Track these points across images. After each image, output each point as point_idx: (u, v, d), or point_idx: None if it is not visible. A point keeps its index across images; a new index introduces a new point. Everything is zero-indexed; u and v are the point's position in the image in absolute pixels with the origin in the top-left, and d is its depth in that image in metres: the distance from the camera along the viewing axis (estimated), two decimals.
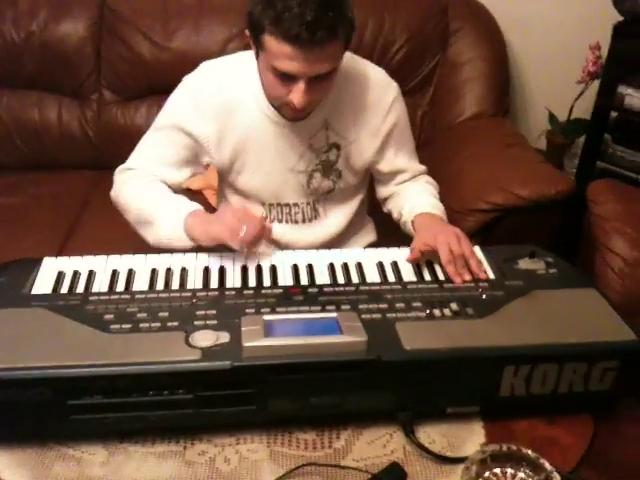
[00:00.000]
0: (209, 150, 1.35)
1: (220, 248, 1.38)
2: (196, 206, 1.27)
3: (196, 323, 1.02)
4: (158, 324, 1.02)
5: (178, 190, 1.38)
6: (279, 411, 0.99)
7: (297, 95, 1.19)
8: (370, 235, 1.59)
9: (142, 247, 1.30)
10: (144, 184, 1.33)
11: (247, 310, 1.06)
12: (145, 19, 2.01)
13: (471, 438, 1.02)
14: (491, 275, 1.20)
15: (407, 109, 1.44)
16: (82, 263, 1.21)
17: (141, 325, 1.01)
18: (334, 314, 1.04)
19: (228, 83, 1.33)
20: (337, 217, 1.48)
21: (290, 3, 1.10)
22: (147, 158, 1.36)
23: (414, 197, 1.41)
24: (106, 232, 1.68)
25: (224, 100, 1.32)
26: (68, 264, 1.20)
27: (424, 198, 1.40)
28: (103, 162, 2.11)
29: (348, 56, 1.38)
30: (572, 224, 1.68)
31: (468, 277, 1.16)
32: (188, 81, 1.35)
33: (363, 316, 1.04)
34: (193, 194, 1.92)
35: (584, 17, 2.09)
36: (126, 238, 1.36)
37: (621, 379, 1.03)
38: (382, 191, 1.50)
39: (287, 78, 1.18)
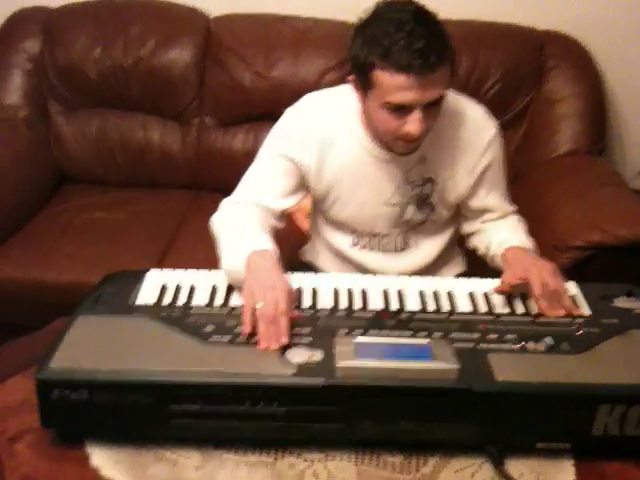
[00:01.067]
0: (309, 179, 1.39)
1: (309, 271, 1.40)
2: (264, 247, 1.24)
3: (291, 340, 1.05)
4: (254, 339, 1.05)
5: (284, 218, 1.43)
6: (368, 432, 1.00)
7: (415, 125, 1.21)
8: (459, 266, 1.59)
9: None
10: (236, 220, 1.34)
11: (340, 331, 1.08)
12: (248, 49, 2.10)
13: (560, 476, 1.01)
14: (586, 311, 1.18)
15: (503, 143, 1.44)
16: (184, 277, 1.26)
17: (239, 339, 1.06)
18: (426, 340, 1.05)
19: (329, 116, 1.37)
20: (428, 248, 1.49)
21: (397, 37, 1.14)
22: (254, 189, 1.39)
23: (504, 232, 1.41)
24: (201, 250, 1.75)
25: (325, 133, 1.36)
26: (171, 277, 1.26)
27: (514, 234, 1.40)
28: (201, 183, 2.23)
29: (450, 94, 1.40)
30: None
31: (561, 313, 1.16)
32: (292, 113, 1.40)
33: (455, 345, 1.05)
34: None
35: None
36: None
37: None
38: (467, 227, 1.50)
39: (401, 110, 1.20)
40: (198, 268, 1.30)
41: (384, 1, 1.22)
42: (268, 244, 1.26)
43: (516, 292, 1.23)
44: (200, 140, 2.18)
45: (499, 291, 1.22)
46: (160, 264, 1.81)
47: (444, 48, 1.18)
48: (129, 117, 2.22)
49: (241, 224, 1.32)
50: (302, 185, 1.41)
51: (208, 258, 1.51)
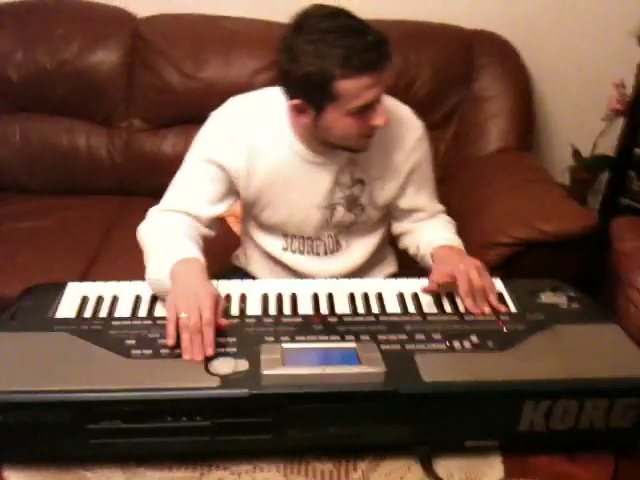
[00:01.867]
0: (238, 185, 1.36)
1: (241, 276, 1.38)
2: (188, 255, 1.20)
3: (216, 350, 1.02)
4: (178, 350, 1.02)
5: (214, 225, 1.38)
6: (296, 440, 0.99)
7: (382, 116, 1.22)
8: (391, 266, 1.59)
9: None
10: (163, 229, 1.30)
11: (267, 338, 1.06)
12: (176, 50, 2.05)
13: (489, 473, 1.01)
14: (512, 308, 1.19)
15: (430, 143, 1.45)
16: (106, 288, 1.22)
17: (162, 351, 1.02)
18: (353, 344, 1.04)
19: (257, 120, 1.34)
20: (359, 249, 1.48)
21: (349, 41, 1.14)
22: (181, 197, 1.35)
23: (432, 232, 1.42)
24: (130, 257, 1.70)
25: (253, 137, 1.33)
26: (92, 289, 1.22)
27: (442, 233, 1.41)
28: (129, 189, 2.17)
29: None
30: (595, 260, 1.66)
31: (487, 310, 1.16)
32: (217, 117, 1.36)
33: (382, 347, 1.04)
34: None
35: (609, 54, 2.09)
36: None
37: None
38: (397, 227, 1.50)
39: (364, 110, 1.20)
40: (127, 276, 1.26)
41: (305, 13, 1.19)
42: (194, 252, 1.22)
43: (444, 291, 1.23)
44: (129, 144, 2.12)
45: (427, 291, 1.23)
46: (87, 273, 1.76)
47: (384, 34, 1.18)
48: (54, 121, 2.13)
49: (167, 233, 1.28)
50: (231, 191, 1.37)
51: (137, 266, 1.48)
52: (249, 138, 1.33)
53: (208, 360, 1.00)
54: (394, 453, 1.03)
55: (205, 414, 0.95)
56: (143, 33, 2.11)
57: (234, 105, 1.37)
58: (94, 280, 1.26)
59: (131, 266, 1.38)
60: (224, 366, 0.99)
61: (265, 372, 0.96)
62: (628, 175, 1.94)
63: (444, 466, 1.02)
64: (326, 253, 1.46)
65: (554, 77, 2.20)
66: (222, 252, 1.65)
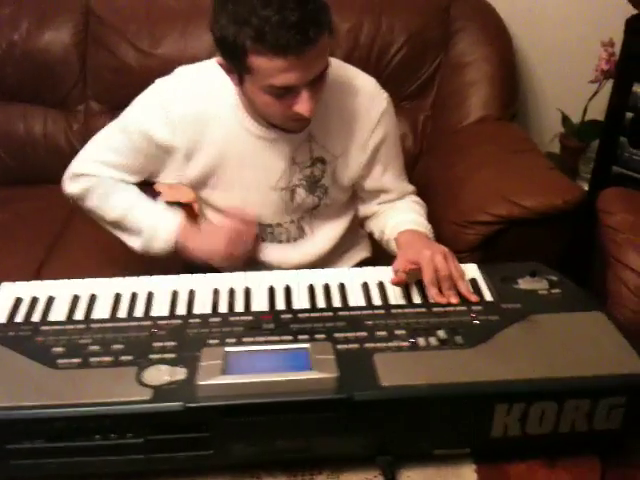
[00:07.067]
0: (178, 163, 1.25)
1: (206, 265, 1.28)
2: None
3: (151, 357, 0.92)
4: (110, 358, 0.92)
5: None
6: (241, 456, 0.89)
7: (304, 105, 1.07)
8: (364, 251, 1.47)
9: (124, 263, 1.26)
10: (116, 190, 1.29)
11: (210, 341, 0.96)
12: (131, 26, 1.90)
13: None
14: (487, 297, 1.08)
15: (408, 114, 1.33)
16: (41, 289, 1.12)
17: (91, 360, 0.92)
18: (306, 345, 0.93)
19: (203, 92, 1.22)
20: (325, 235, 1.37)
21: (266, 13, 0.99)
22: (101, 161, 1.29)
23: (399, 215, 1.30)
24: (88, 249, 1.60)
25: (198, 110, 1.21)
26: (27, 289, 1.11)
27: (409, 215, 1.29)
28: None
29: (336, 64, 1.27)
30: (586, 237, 1.53)
31: (454, 300, 1.05)
32: (160, 86, 1.25)
33: (339, 347, 0.93)
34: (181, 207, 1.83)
35: (596, 11, 1.94)
36: (107, 255, 1.34)
37: (631, 416, 0.91)
38: (364, 209, 1.38)
39: (286, 92, 1.07)
40: (85, 268, 1.19)
41: None
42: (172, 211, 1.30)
43: (412, 280, 1.12)
44: (87, 127, 1.96)
45: (395, 282, 1.11)
46: (42, 269, 1.64)
47: (319, 12, 1.02)
48: (8, 107, 1.99)
49: (131, 196, 1.30)
50: (154, 169, 1.29)
51: (96, 256, 1.37)
52: (193, 112, 1.21)
53: (141, 369, 0.90)
54: (356, 464, 0.92)
55: (136, 430, 0.85)
56: (95, 9, 1.95)
57: (180, 75, 1.26)
58: (50, 277, 1.16)
59: (90, 258, 1.29)
60: (158, 375, 0.89)
61: (201, 382, 0.86)
62: (619, 141, 1.81)
63: (411, 477, 0.92)
64: (289, 241, 1.35)
65: (539, 38, 2.04)
66: None
